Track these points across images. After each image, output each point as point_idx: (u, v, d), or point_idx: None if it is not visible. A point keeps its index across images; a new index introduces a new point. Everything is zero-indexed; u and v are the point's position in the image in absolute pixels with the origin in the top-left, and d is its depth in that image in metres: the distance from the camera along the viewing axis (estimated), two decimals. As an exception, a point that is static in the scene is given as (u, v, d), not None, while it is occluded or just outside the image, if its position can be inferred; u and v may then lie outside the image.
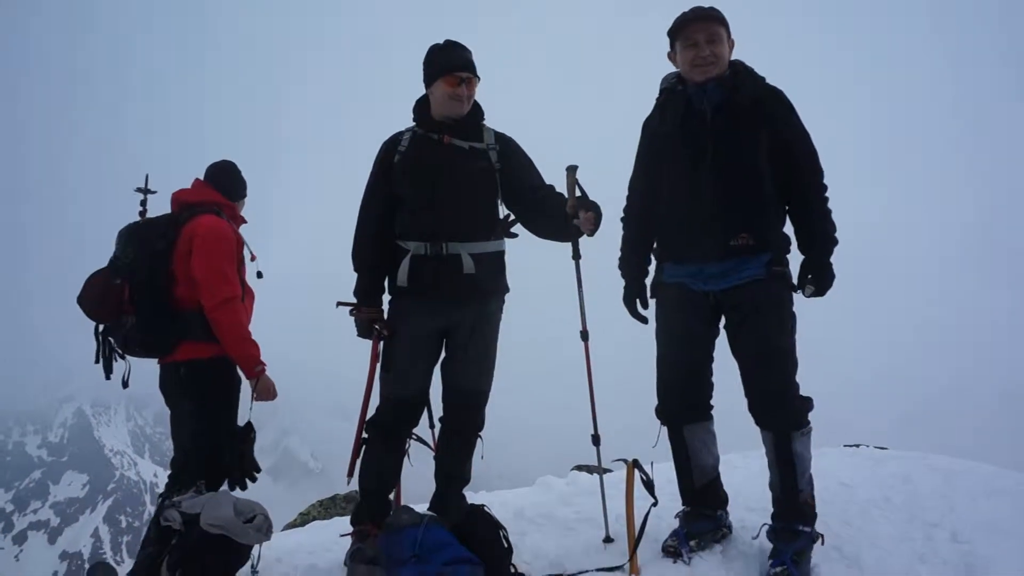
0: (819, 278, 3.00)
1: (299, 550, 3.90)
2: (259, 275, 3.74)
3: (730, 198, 2.99)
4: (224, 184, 3.79)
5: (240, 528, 2.95)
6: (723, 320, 3.14)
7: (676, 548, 3.08)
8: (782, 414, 3.00)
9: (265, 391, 3.55)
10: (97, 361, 3.57)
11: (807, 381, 3.04)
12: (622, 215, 3.48)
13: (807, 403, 3.04)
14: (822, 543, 3.02)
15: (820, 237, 3.01)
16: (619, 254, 3.46)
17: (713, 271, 3.05)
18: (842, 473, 4.27)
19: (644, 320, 3.36)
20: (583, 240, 3.42)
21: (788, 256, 3.08)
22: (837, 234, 3.04)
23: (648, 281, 3.38)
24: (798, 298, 3.08)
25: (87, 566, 3.39)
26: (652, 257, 3.39)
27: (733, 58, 3.10)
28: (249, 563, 3.17)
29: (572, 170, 3.33)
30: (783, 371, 2.99)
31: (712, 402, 3.26)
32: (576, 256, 3.49)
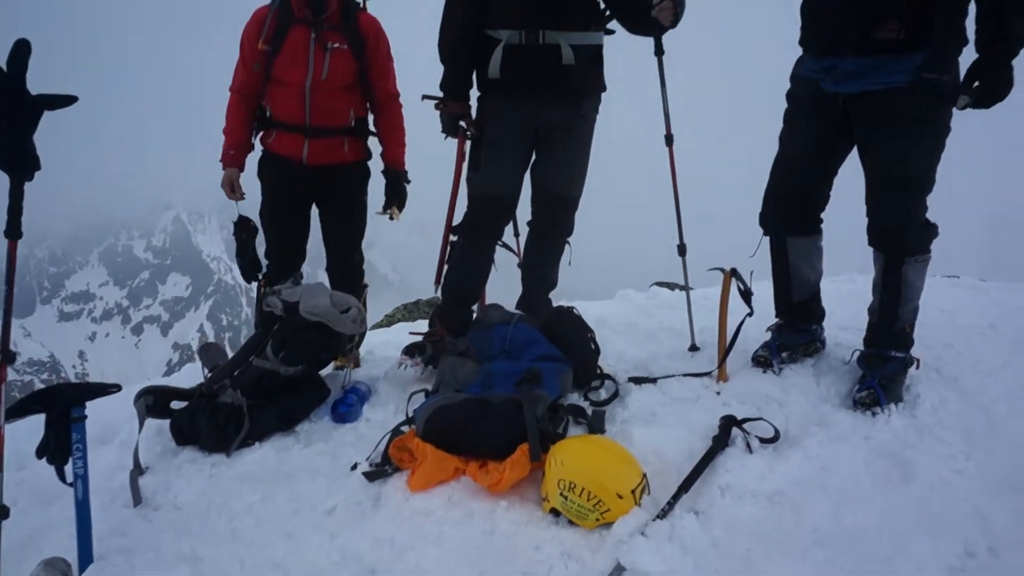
0: (986, 83, 2.39)
1: (388, 344, 4.11)
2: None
3: None
4: None
5: (337, 317, 3.07)
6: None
7: (767, 358, 3.04)
8: (899, 238, 2.72)
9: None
10: None
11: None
12: None
13: (931, 230, 2.74)
14: (917, 367, 2.91)
15: (1002, 27, 2.32)
16: None
17: (848, 68, 2.59)
18: (942, 301, 4.06)
19: None
20: (669, 34, 3.09)
21: (958, 60, 2.46)
22: None
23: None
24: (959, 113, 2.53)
25: (196, 356, 3.64)
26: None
27: None
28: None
29: None
30: (909, 197, 2.66)
31: (823, 216, 3.03)
32: (658, 52, 3.18)
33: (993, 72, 2.38)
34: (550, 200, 3.33)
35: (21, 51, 2.04)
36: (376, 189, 3.64)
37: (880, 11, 2.48)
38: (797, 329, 3.14)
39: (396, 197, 3.61)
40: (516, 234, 3.98)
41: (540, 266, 3.55)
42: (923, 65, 2.44)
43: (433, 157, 3.66)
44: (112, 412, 3.01)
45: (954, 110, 2.52)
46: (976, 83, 2.41)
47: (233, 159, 3.45)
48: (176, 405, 2.94)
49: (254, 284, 3.63)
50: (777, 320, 3.21)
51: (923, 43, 2.45)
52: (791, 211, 2.99)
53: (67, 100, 2.15)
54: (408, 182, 3.65)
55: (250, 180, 3.53)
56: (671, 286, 5.89)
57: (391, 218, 3.66)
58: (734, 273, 2.96)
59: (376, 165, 3.63)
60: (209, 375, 3.11)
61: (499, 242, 3.56)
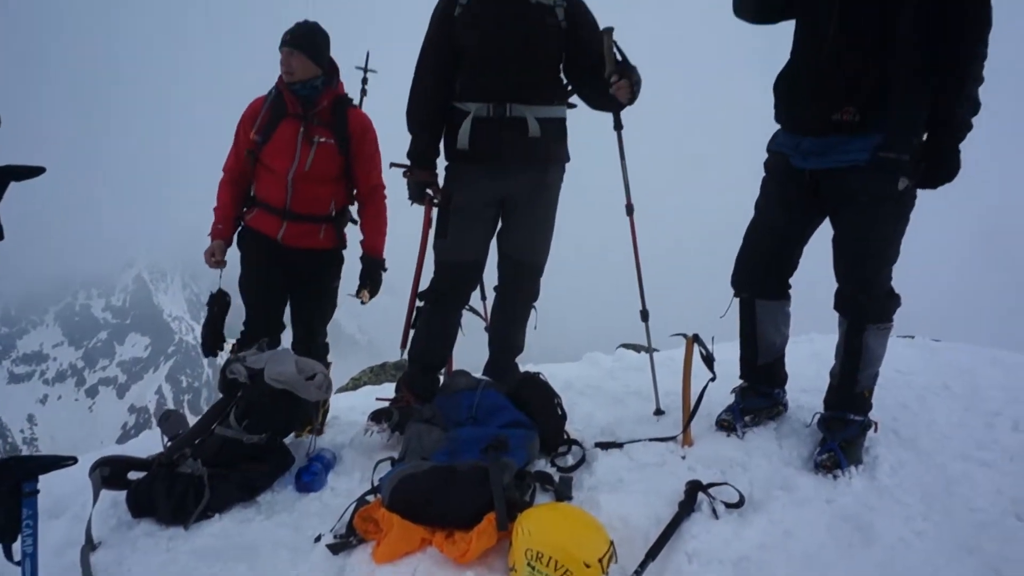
0: (932, 166, 2.53)
1: (354, 410, 4.06)
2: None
3: (844, 62, 2.59)
4: None
5: (302, 384, 3.05)
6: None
7: (731, 422, 3.09)
8: (861, 306, 2.83)
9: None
10: None
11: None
12: None
13: (893, 300, 2.85)
14: (875, 430, 2.98)
15: (945, 114, 2.47)
16: None
17: (813, 146, 2.73)
18: (898, 361, 4.16)
19: None
20: (629, 109, 3.24)
21: (915, 140, 2.56)
22: (975, 118, 2.53)
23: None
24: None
25: (153, 419, 3.59)
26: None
27: None
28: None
29: (608, 32, 3.09)
30: (871, 268, 2.78)
31: (791, 282, 3.13)
32: (617, 127, 3.33)
33: (938, 155, 2.52)
34: (516, 266, 3.40)
35: None
36: (350, 270, 3.74)
37: (837, 96, 2.63)
38: (760, 392, 3.21)
39: (370, 283, 3.71)
40: (483, 298, 4.03)
41: (507, 331, 3.59)
42: (881, 145, 2.57)
43: (400, 217, 3.76)
44: (65, 484, 2.90)
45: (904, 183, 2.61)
46: (923, 164, 2.54)
47: (220, 232, 3.58)
48: (134, 475, 2.86)
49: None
50: (741, 382, 3.27)
51: (880, 124, 2.58)
52: (761, 274, 3.08)
53: (34, 171, 2.15)
54: (385, 270, 3.75)
55: (231, 253, 3.63)
56: (637, 348, 5.94)
57: (362, 302, 3.74)
58: (696, 339, 3.03)
59: (354, 251, 3.77)
60: (169, 444, 3.04)
61: (466, 306, 3.60)
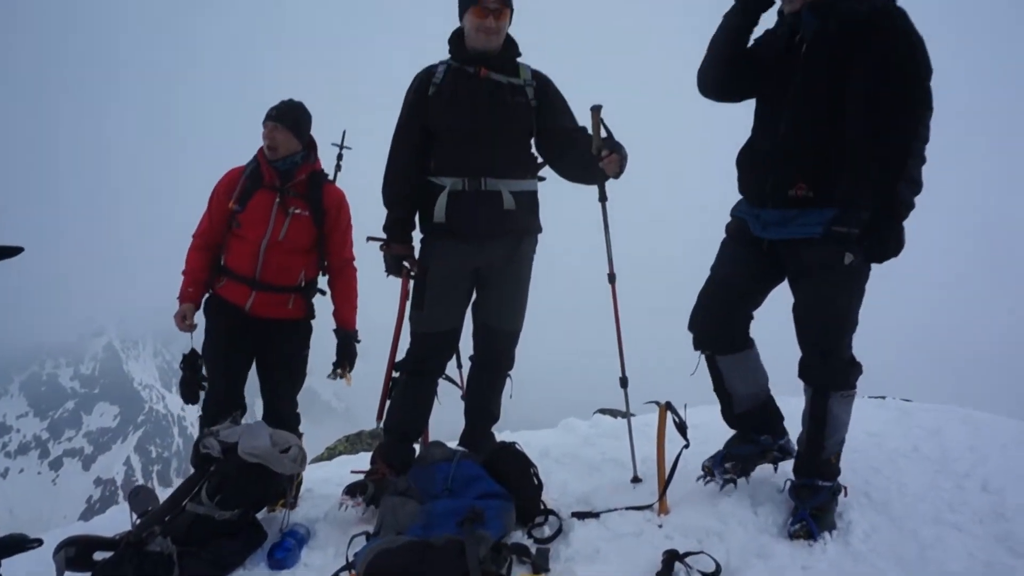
0: (875, 243, 2.60)
1: (328, 482, 4.01)
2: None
3: (797, 141, 2.74)
4: None
5: (276, 458, 3.02)
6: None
7: (710, 469, 3.10)
8: (822, 373, 2.89)
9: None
10: None
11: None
12: None
13: (855, 368, 2.91)
14: (845, 495, 3.01)
15: (887, 195, 2.55)
16: None
17: (770, 217, 2.86)
18: (869, 423, 4.24)
19: None
20: (610, 182, 3.36)
21: (865, 216, 2.63)
22: (918, 196, 2.60)
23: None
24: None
25: (120, 492, 3.52)
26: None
27: None
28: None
29: (596, 110, 3.23)
30: (829, 334, 2.85)
31: (750, 334, 3.17)
32: (602, 199, 3.44)
33: (880, 234, 2.59)
34: (491, 335, 3.45)
35: None
36: (322, 343, 3.76)
37: (791, 173, 2.77)
38: (747, 440, 3.22)
39: (346, 358, 3.75)
40: (459, 366, 4.04)
41: (482, 400, 3.60)
42: (834, 219, 2.66)
43: (375, 286, 3.82)
44: (28, 564, 2.82)
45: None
46: (866, 242, 2.63)
47: (190, 295, 3.59)
48: (100, 555, 2.78)
49: (189, 416, 3.62)
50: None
51: (833, 200, 2.70)
52: (717, 331, 3.14)
53: (12, 251, 2.18)
54: (358, 342, 3.79)
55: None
56: (614, 413, 5.95)
57: (346, 382, 3.78)
58: (668, 406, 3.07)
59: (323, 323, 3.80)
60: (138, 521, 2.97)
61: (442, 375, 3.62)
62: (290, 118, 3.55)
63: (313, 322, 3.79)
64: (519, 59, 3.37)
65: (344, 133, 4.14)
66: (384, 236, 3.43)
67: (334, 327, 3.79)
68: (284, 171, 3.53)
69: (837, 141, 2.67)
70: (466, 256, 3.28)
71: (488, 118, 3.19)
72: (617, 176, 3.27)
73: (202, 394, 3.60)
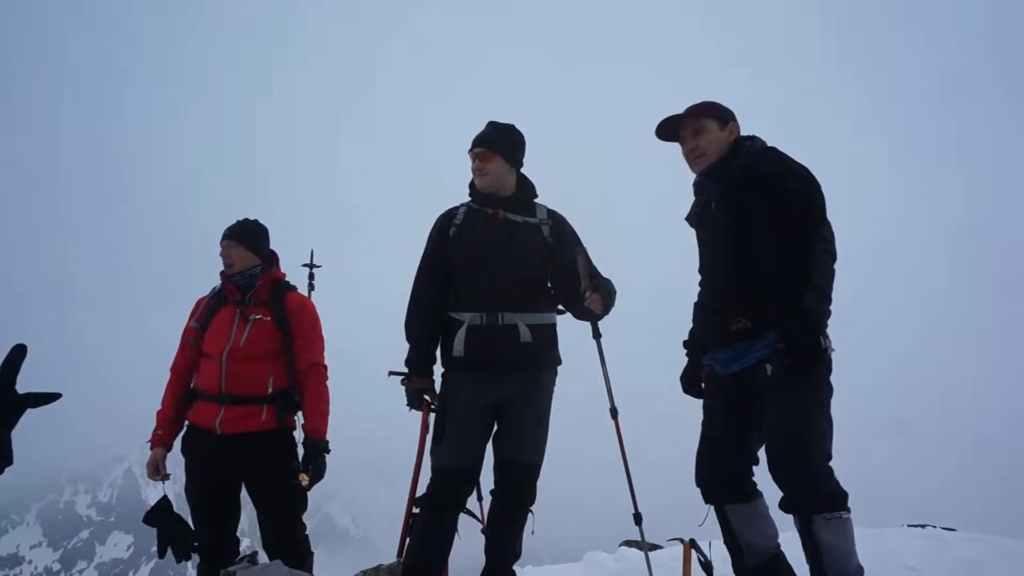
0: (780, 354, 2.71)
1: (347, 622, 3.87)
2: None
3: (729, 283, 3.03)
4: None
5: (293, 602, 2.95)
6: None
7: None
8: (796, 495, 2.79)
9: None
10: None
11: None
12: None
13: (834, 489, 2.78)
14: None
15: (790, 306, 2.72)
16: None
17: (725, 356, 3.03)
18: (908, 555, 4.08)
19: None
20: (608, 319, 3.48)
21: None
22: (828, 307, 2.85)
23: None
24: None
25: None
26: None
27: (747, 134, 3.09)
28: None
29: (581, 252, 3.38)
30: (792, 451, 2.79)
31: (756, 485, 3.11)
32: (596, 336, 3.57)
33: (793, 344, 2.68)
34: (512, 470, 3.42)
35: (16, 357, 2.18)
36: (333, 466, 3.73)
37: (730, 309, 2.98)
38: None
39: (313, 467, 3.57)
40: (480, 499, 3.99)
41: (503, 538, 3.52)
42: (776, 340, 2.76)
43: (401, 416, 3.79)
44: None
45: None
46: (782, 354, 2.71)
47: (159, 439, 3.56)
48: None
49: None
50: None
51: (769, 323, 2.82)
52: (716, 485, 3.12)
53: (51, 398, 2.25)
54: (328, 452, 3.65)
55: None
56: (640, 545, 5.75)
57: (302, 484, 3.56)
58: (693, 544, 3.00)
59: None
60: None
61: (463, 510, 3.57)
62: (242, 235, 3.71)
63: (295, 433, 3.66)
64: (536, 199, 3.57)
65: (312, 252, 4.33)
66: (406, 370, 3.50)
67: (303, 438, 3.64)
68: (243, 284, 3.65)
69: (757, 272, 2.87)
70: (485, 389, 3.33)
71: (504, 258, 3.34)
72: (603, 313, 3.42)
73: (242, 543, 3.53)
